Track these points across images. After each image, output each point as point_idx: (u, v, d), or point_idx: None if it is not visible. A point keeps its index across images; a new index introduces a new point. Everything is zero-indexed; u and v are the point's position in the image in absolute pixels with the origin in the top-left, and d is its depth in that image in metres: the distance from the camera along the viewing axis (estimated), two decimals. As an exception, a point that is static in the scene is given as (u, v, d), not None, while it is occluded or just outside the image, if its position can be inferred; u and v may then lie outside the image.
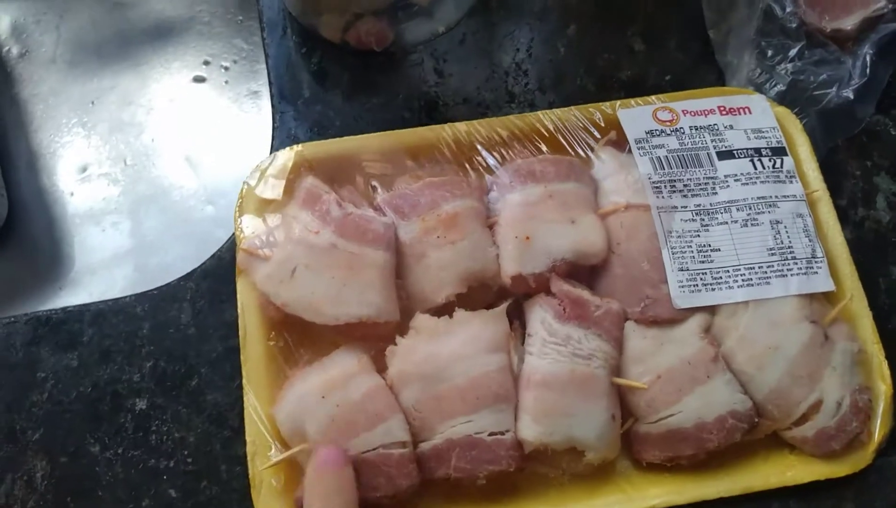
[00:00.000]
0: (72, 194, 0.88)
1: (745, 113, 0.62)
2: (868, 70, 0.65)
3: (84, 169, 0.89)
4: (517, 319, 0.58)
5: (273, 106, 0.70)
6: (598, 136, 0.62)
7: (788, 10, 0.66)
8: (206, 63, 0.93)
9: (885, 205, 0.67)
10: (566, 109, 0.62)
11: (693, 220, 0.58)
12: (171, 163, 0.89)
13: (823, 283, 0.58)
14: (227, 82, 0.92)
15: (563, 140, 0.61)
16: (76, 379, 0.62)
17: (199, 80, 0.92)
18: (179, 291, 0.64)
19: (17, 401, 0.61)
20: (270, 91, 0.71)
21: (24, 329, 0.63)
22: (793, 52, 0.66)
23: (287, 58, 0.72)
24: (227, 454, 0.59)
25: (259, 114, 0.90)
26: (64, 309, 0.64)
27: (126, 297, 0.64)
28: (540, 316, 0.56)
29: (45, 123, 0.91)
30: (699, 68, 0.71)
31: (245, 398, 0.55)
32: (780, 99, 0.65)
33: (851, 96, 0.65)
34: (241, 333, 0.57)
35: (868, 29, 0.67)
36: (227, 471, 0.59)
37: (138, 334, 0.63)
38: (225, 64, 0.93)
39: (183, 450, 0.59)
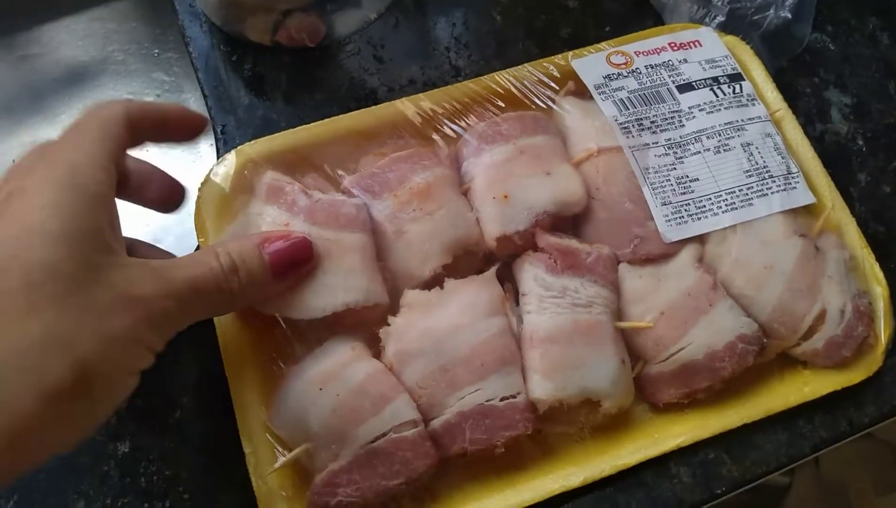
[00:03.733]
0: (4, 259, 0.83)
1: (695, 46, 0.62)
2: (799, -11, 0.66)
3: (14, 231, 0.84)
4: (507, 281, 0.56)
5: (212, 119, 0.67)
6: (557, 88, 0.60)
7: (713, -59, 0.67)
8: (129, 102, 0.89)
9: (840, 117, 0.68)
10: (520, 66, 0.61)
11: (666, 154, 0.57)
12: (107, 209, 0.85)
13: (803, 196, 0.57)
14: (153, 119, 0.89)
15: (522, 97, 0.60)
16: (46, 435, 0.57)
17: (123, 120, 0.88)
18: (143, 322, 0.60)
19: (-19, 472, 0.56)
20: (206, 105, 0.67)
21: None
22: (725, -17, 0.67)
23: (218, 69, 0.69)
24: (226, 482, 0.55)
25: (192, 143, 0.87)
26: (20, 364, 0.59)
27: (87, 339, 0.60)
28: (532, 273, 0.54)
29: (-36, 191, 0.86)
30: (636, 15, 0.71)
31: (236, 409, 0.52)
32: (722, 29, 0.65)
33: (790, 16, 0.66)
34: (221, 343, 0.53)
35: (790, -52, 0.68)
36: (230, 499, 0.54)
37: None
38: (148, 100, 0.89)
39: (177, 487, 0.55)
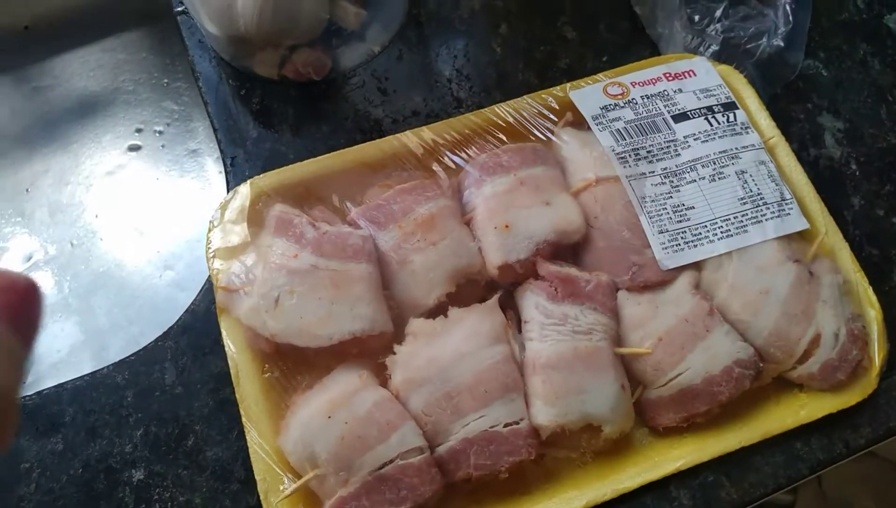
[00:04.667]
0: (20, 287, 0.84)
1: (690, 76, 0.63)
2: (791, 18, 0.68)
3: (29, 257, 0.86)
4: (510, 309, 0.57)
5: (222, 151, 0.69)
6: (555, 119, 0.62)
7: (706, -27, 0.69)
8: (139, 131, 0.91)
9: (834, 142, 0.69)
10: (519, 98, 0.63)
11: (663, 183, 0.59)
12: (120, 236, 0.87)
13: (797, 222, 0.59)
14: (163, 146, 0.91)
15: (522, 129, 0.62)
16: (64, 462, 0.58)
17: (134, 148, 0.91)
18: (158, 352, 0.62)
19: (2, 499, 0.57)
20: (217, 137, 0.69)
21: (-2, 422, 0.60)
22: (718, 13, 0.68)
23: (227, 103, 0.71)
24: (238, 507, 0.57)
25: (202, 171, 0.89)
26: (39, 393, 0.61)
27: (103, 369, 0.62)
28: (533, 301, 0.55)
29: (-19, 218, 0.88)
30: (632, 45, 0.73)
31: (248, 436, 0.53)
32: (717, 58, 0.67)
33: (782, 44, 0.68)
34: (232, 372, 0.55)
35: (783, -21, 0.70)
36: (242, 524, 0.56)
37: (123, 403, 0.60)
38: (158, 128, 0.91)
39: (190, 512, 0.57)
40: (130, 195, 0.88)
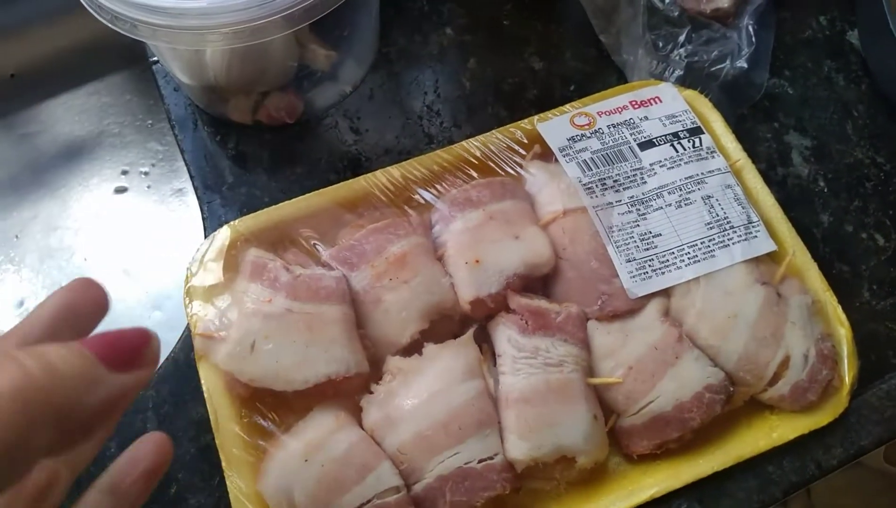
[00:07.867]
0: (13, 332, 0.86)
1: (656, 103, 0.64)
2: (753, 39, 0.69)
3: (21, 303, 0.87)
4: (485, 343, 0.58)
5: (199, 198, 0.70)
6: (524, 152, 0.63)
7: (668, 1, 0.69)
8: (125, 172, 0.93)
9: (801, 160, 0.70)
10: (488, 133, 0.64)
11: (630, 212, 0.60)
12: (109, 278, 0.88)
13: (764, 244, 0.59)
14: (149, 187, 0.92)
15: (491, 164, 0.63)
16: (50, 515, 0.59)
17: (120, 190, 0.92)
18: (140, 401, 0.63)
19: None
20: (193, 184, 0.71)
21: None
22: (681, 38, 0.69)
23: (203, 149, 0.72)
24: (222, 552, 0.58)
25: (188, 209, 0.90)
26: (24, 445, 0.62)
27: (86, 420, 0.62)
28: (505, 335, 0.56)
29: (-28, 267, 0.90)
30: (599, 72, 0.74)
31: (228, 483, 0.54)
32: (682, 82, 0.68)
33: (746, 65, 0.68)
34: (212, 418, 0.56)
35: (743, 2, 0.71)
36: (227, 571, 0.57)
37: (106, 454, 0.61)
38: (144, 169, 0.93)
39: (176, 559, 0.57)
40: (118, 237, 0.90)
